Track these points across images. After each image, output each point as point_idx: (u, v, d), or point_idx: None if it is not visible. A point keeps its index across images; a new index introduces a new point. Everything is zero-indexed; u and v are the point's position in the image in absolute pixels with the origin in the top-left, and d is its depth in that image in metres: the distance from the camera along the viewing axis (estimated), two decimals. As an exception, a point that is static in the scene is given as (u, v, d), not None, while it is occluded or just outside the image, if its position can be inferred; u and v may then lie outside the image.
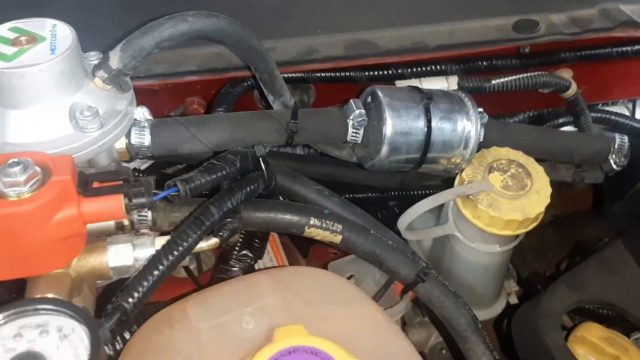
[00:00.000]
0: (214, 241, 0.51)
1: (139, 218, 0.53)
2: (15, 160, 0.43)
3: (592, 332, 0.63)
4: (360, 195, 0.78)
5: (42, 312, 0.42)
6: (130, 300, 0.45)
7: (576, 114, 0.77)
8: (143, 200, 0.46)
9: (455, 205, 0.64)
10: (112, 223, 0.52)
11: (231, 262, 0.63)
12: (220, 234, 0.51)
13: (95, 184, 0.46)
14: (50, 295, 0.46)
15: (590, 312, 0.71)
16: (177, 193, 0.48)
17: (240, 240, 0.63)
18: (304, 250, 0.81)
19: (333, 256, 0.80)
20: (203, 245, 0.51)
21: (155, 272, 0.46)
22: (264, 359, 0.38)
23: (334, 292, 0.51)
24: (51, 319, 0.42)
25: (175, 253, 0.47)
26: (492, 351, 0.56)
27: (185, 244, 0.48)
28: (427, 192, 0.75)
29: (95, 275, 0.49)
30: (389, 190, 0.79)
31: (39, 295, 0.45)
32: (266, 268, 0.68)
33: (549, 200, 0.62)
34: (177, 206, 0.55)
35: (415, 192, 0.77)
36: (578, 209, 0.85)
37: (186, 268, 0.71)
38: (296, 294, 0.50)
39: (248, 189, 0.53)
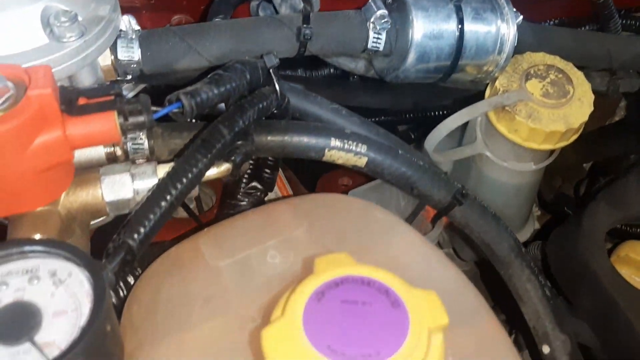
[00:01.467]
0: (225, 167, 0.44)
1: (134, 146, 0.45)
2: (-19, 72, 0.35)
3: (637, 250, 0.58)
4: (370, 120, 0.71)
5: (31, 254, 0.35)
6: (136, 236, 0.37)
7: (605, 18, 0.69)
8: (141, 118, 0.38)
9: (486, 120, 0.58)
10: (101, 153, 0.44)
11: (239, 197, 0.56)
12: (233, 158, 0.44)
13: (82, 101, 0.38)
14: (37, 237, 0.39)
15: (626, 232, 0.66)
16: (181, 109, 0.40)
17: (249, 171, 0.56)
18: (308, 186, 0.75)
19: (343, 188, 0.73)
20: (214, 172, 0.43)
21: (163, 203, 0.39)
22: (307, 293, 0.31)
23: (366, 219, 0.45)
24: (41, 263, 0.35)
25: (184, 180, 0.40)
26: (537, 275, 0.51)
27: (194, 169, 0.40)
28: (444, 112, 0.68)
29: (88, 213, 0.42)
30: (400, 112, 0.72)
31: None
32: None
33: (592, 108, 0.55)
34: (176, 131, 0.47)
35: (430, 114, 0.70)
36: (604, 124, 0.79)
37: (186, 207, 0.64)
38: (324, 224, 0.44)
39: (260, 106, 0.45)
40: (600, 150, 0.79)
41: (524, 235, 0.68)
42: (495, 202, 0.63)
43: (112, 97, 0.38)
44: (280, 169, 0.71)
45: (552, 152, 0.60)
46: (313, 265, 0.34)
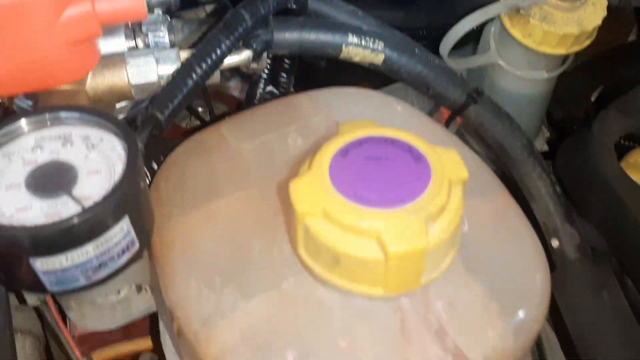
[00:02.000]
0: (246, 54, 0.44)
1: (155, 39, 0.46)
2: (12, -60, 0.35)
3: (646, 157, 0.59)
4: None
5: (65, 121, 0.36)
6: (165, 110, 0.39)
7: None
8: (167, -4, 0.39)
9: (500, 28, 0.58)
10: (124, 47, 0.45)
11: (255, 102, 0.57)
12: (254, 46, 0.45)
13: (110, -25, 0.38)
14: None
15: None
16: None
17: (265, 76, 0.57)
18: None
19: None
20: (235, 59, 0.44)
21: (189, 81, 0.40)
22: (332, 151, 0.33)
23: (386, 109, 0.46)
24: (74, 130, 0.36)
25: (208, 60, 0.41)
26: (549, 174, 0.52)
27: (218, 49, 0.41)
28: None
29: (113, 95, 0.43)
30: (415, 29, 0.72)
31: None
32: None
33: (605, 13, 0.56)
34: (195, 25, 0.48)
35: (445, 31, 0.70)
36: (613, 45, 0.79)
37: (197, 115, 0.65)
38: (344, 112, 0.45)
39: (280, -4, 0.46)
40: (610, 75, 0.79)
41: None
42: (507, 113, 0.64)
43: (140, -26, 0.39)
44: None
45: (564, 61, 0.61)
46: (338, 128, 0.35)
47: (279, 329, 0.34)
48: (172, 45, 0.47)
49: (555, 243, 0.51)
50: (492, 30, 0.59)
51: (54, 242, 0.31)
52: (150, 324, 0.51)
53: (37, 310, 0.47)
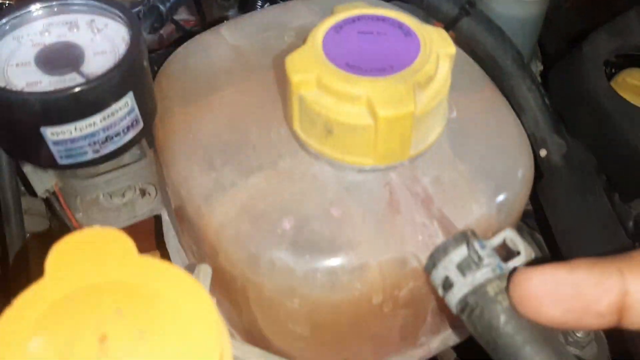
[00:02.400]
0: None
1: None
2: None
3: (634, 76, 0.61)
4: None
5: (72, 8, 0.38)
6: (167, 3, 0.40)
7: None
8: None
9: (494, -53, 0.59)
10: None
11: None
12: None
13: None
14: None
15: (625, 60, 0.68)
16: None
17: None
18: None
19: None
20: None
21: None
22: (326, 27, 0.34)
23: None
24: (80, 16, 0.38)
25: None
26: (539, 86, 0.54)
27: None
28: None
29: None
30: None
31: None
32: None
33: None
34: None
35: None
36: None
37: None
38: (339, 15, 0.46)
39: None
40: (605, 10, 0.80)
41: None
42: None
43: None
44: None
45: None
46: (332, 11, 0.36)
47: (276, 201, 0.36)
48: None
49: (543, 152, 0.53)
50: (486, -48, 0.61)
51: (62, 109, 0.33)
52: (154, 227, 0.53)
53: (46, 202, 0.49)
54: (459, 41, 0.62)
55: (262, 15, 0.47)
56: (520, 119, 0.54)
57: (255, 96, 0.40)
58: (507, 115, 0.41)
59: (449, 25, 0.54)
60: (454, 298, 0.32)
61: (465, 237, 0.32)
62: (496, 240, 0.33)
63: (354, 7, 0.36)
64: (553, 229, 0.50)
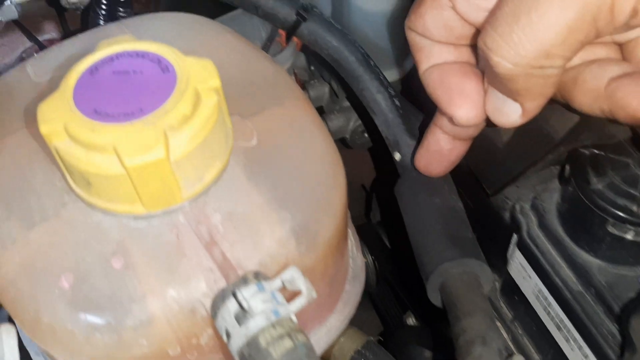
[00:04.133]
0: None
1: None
2: None
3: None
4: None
5: None
6: None
7: None
8: None
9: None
10: None
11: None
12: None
13: None
14: None
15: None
16: None
17: (103, 12, 0.56)
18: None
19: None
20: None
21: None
22: (82, 69, 0.32)
23: (198, 31, 0.45)
24: None
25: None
26: (387, 87, 0.52)
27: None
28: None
29: None
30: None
31: None
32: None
33: None
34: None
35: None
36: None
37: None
38: (152, 37, 0.44)
39: None
40: None
41: (404, 69, 0.68)
42: (367, 35, 0.64)
43: None
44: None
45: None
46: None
47: (57, 256, 0.33)
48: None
49: (397, 156, 0.51)
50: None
51: None
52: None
53: None
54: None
55: (71, 45, 0.44)
56: (375, 122, 0.53)
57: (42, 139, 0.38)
58: (316, 134, 0.39)
59: (290, 32, 0.52)
60: (233, 349, 0.30)
61: (235, 286, 0.30)
62: (276, 283, 0.31)
63: (119, 42, 0.33)
64: (407, 231, 0.49)
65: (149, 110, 0.30)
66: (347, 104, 0.70)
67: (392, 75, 0.67)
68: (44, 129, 0.30)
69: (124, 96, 0.31)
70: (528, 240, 0.47)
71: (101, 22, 0.55)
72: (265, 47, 0.56)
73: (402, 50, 0.68)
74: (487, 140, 0.53)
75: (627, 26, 0.29)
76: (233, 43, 0.44)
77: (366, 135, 0.73)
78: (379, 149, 0.74)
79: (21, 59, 0.63)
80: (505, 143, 0.52)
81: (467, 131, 0.40)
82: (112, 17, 0.55)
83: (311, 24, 0.51)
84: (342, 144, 0.73)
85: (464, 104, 0.36)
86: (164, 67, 0.32)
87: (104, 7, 0.55)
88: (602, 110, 0.32)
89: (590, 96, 0.33)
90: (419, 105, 0.62)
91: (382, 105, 0.52)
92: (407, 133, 0.52)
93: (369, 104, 0.52)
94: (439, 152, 0.42)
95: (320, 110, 0.71)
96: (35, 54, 0.45)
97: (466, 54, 0.37)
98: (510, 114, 0.34)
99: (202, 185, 0.33)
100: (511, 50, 0.30)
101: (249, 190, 0.35)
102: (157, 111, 0.30)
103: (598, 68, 0.33)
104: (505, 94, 0.33)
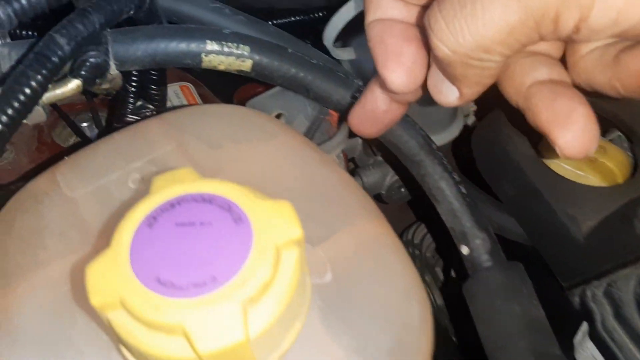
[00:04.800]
0: (74, 84, 0.38)
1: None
2: None
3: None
4: (280, 21, 0.65)
5: None
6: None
7: None
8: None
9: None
10: None
11: (127, 119, 0.51)
12: (82, 72, 0.38)
13: None
14: None
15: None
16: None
17: (133, 89, 0.51)
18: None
19: (261, 97, 0.68)
20: (60, 91, 0.38)
21: (-12, 134, 0.33)
22: (138, 219, 0.27)
23: (247, 128, 0.40)
24: None
25: (16, 104, 0.34)
26: (450, 172, 0.47)
27: (27, 89, 0.34)
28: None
29: None
30: (311, 11, 0.65)
31: None
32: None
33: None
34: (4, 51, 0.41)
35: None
36: None
37: (76, 128, 0.58)
38: (197, 137, 0.39)
39: (110, 8, 0.39)
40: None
41: (451, 133, 0.63)
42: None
43: None
44: (193, 87, 0.66)
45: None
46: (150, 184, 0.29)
47: None
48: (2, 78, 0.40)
49: (464, 250, 0.46)
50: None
51: None
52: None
53: None
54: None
55: (108, 147, 0.39)
56: (437, 210, 0.48)
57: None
58: (394, 260, 0.34)
59: (344, 114, 0.47)
60: None
61: None
62: None
63: (177, 180, 0.28)
64: (481, 338, 0.44)
65: (224, 280, 0.25)
66: (381, 158, 0.65)
67: (440, 139, 0.62)
68: (95, 301, 0.25)
69: (191, 258, 0.26)
70: (603, 333, 0.43)
71: (131, 101, 0.50)
72: (313, 127, 0.51)
73: (451, 115, 0.63)
74: (565, 229, 0.48)
75: (571, 39, 0.29)
76: (290, 144, 0.39)
77: (403, 190, 0.68)
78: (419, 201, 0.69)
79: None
80: (586, 236, 0.47)
81: (404, 96, 0.38)
82: (143, 95, 0.50)
83: (367, 105, 0.46)
84: (377, 199, 0.68)
85: (397, 69, 0.34)
86: (236, 216, 0.27)
87: (134, 84, 0.50)
88: (517, 105, 0.33)
89: (513, 89, 0.33)
90: (471, 171, 0.58)
91: (446, 192, 0.47)
92: (475, 224, 0.47)
93: (430, 191, 0.47)
94: (374, 112, 0.39)
95: (353, 164, 0.67)
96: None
97: (415, 15, 0.35)
98: (448, 95, 0.33)
99: (280, 354, 0.28)
100: (451, 37, 0.29)
101: (328, 344, 0.30)
102: (233, 280, 0.25)
103: (529, 65, 0.32)
104: (444, 76, 0.33)
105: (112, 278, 0.25)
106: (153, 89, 0.50)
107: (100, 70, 0.39)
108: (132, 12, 0.41)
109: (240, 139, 0.39)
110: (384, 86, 0.36)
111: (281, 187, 0.30)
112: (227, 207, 0.27)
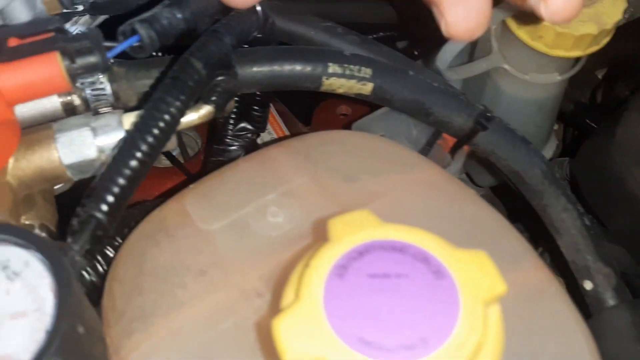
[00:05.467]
0: (206, 110, 0.36)
1: (94, 93, 0.37)
2: None
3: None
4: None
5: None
6: (104, 207, 0.30)
7: None
8: (92, 59, 0.30)
9: (502, 27, 0.50)
10: (56, 104, 0.37)
11: (227, 140, 0.49)
12: (213, 98, 0.36)
13: (13, 42, 0.29)
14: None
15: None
16: (139, 43, 0.32)
17: (235, 110, 0.49)
18: (302, 119, 0.67)
19: (342, 119, 0.66)
20: (193, 117, 0.36)
21: (133, 163, 0.31)
22: (326, 269, 0.25)
23: (382, 158, 0.38)
24: (-11, 253, 0.28)
25: (156, 131, 0.32)
26: (575, 203, 0.45)
27: (166, 116, 0.32)
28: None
29: (46, 180, 0.34)
30: (400, 26, 0.63)
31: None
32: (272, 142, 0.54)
33: (626, 4, 0.47)
34: (144, 69, 0.39)
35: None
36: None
37: (168, 155, 0.57)
38: (331, 168, 0.37)
39: (239, 29, 0.37)
40: (616, 51, 0.71)
41: (546, 154, 0.61)
42: (514, 121, 0.56)
43: (52, 34, 0.30)
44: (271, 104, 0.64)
45: (578, 59, 0.52)
46: (326, 228, 0.27)
47: None
48: (117, 96, 0.38)
49: (588, 285, 0.44)
50: (493, 29, 0.51)
51: None
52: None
53: None
54: (476, 155, 0.53)
55: (236, 176, 0.37)
56: (557, 242, 0.46)
57: (237, 315, 0.31)
58: (564, 309, 0.32)
59: (464, 140, 0.44)
60: None
61: None
62: None
63: (357, 224, 0.26)
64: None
65: (437, 343, 0.23)
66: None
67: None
68: (290, 357, 0.23)
69: (394, 316, 0.23)
70: None
71: (233, 122, 0.48)
72: (423, 153, 0.49)
73: (547, 135, 0.61)
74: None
75: None
76: (431, 177, 0.37)
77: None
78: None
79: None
80: None
81: None
82: (245, 116, 0.48)
83: (490, 132, 0.43)
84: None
85: None
86: (435, 269, 0.24)
87: (238, 105, 0.48)
88: None
89: None
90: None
91: (569, 224, 0.44)
92: (600, 259, 0.44)
93: (552, 223, 0.45)
94: None
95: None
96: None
97: None
98: None
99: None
100: None
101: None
102: (447, 343, 0.23)
103: None
104: None
105: (308, 335, 0.23)
106: (256, 111, 0.49)
107: (230, 95, 0.37)
108: (258, 34, 0.39)
109: (376, 170, 0.36)
110: None
111: (431, 228, 0.27)
112: (423, 258, 0.25)
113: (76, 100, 0.37)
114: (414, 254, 0.25)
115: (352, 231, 0.26)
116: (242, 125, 0.48)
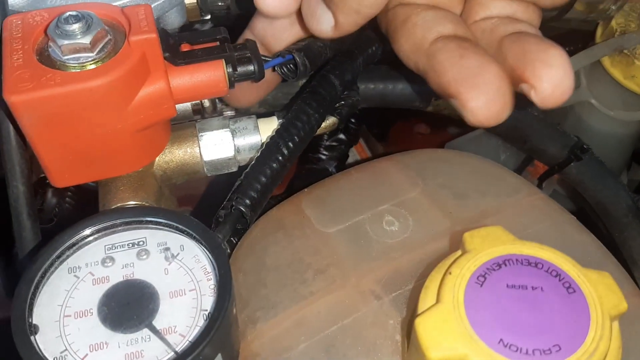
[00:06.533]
0: (332, 121, 0.39)
1: (223, 96, 0.40)
2: (73, 13, 0.30)
3: None
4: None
5: (138, 225, 0.31)
6: (248, 201, 0.33)
7: None
8: (251, 67, 0.33)
9: (594, 64, 0.52)
10: (187, 105, 0.40)
11: (322, 149, 0.52)
12: (339, 111, 0.39)
13: (185, 47, 0.33)
14: (132, 203, 0.35)
15: None
16: (292, 65, 0.35)
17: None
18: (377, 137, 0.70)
19: (420, 137, 0.69)
20: (320, 126, 0.39)
21: (274, 165, 0.34)
22: (466, 276, 0.27)
23: (489, 179, 0.40)
24: (149, 235, 0.31)
25: (296, 138, 0.35)
26: (657, 240, 0.46)
27: (306, 126, 0.35)
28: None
29: (185, 173, 0.37)
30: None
31: (120, 204, 0.34)
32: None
33: None
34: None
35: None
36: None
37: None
38: (440, 184, 0.39)
39: (369, 51, 0.40)
40: None
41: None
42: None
43: (218, 43, 0.33)
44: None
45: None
46: (462, 241, 0.29)
47: None
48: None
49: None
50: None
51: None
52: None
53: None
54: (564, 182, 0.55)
55: (350, 184, 0.40)
56: (633, 274, 0.47)
57: (355, 313, 0.33)
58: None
59: (556, 169, 0.47)
60: None
61: None
62: None
63: (492, 239, 0.29)
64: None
65: (569, 349, 0.25)
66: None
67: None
68: (434, 355, 0.26)
69: (531, 323, 0.26)
70: None
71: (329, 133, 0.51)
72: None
73: (620, 170, 0.62)
74: None
75: None
76: (536, 201, 0.39)
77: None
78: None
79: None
80: None
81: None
82: (344, 128, 0.51)
83: (582, 164, 0.46)
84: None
85: None
86: (567, 284, 0.27)
87: (338, 117, 0.50)
88: (417, 66, 0.30)
89: (412, 46, 0.30)
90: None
91: (650, 258, 0.46)
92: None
93: (631, 255, 0.47)
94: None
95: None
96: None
97: None
98: (323, 21, 0.32)
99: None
100: None
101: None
102: (580, 351, 0.25)
103: (432, 19, 0.30)
104: None
105: (451, 334, 0.26)
106: (353, 124, 0.51)
107: (354, 109, 0.40)
108: (379, 53, 0.42)
109: (484, 191, 0.39)
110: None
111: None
112: (556, 274, 0.27)
113: (206, 102, 0.41)
114: (549, 270, 0.27)
115: (489, 245, 0.29)
116: (339, 136, 0.51)
